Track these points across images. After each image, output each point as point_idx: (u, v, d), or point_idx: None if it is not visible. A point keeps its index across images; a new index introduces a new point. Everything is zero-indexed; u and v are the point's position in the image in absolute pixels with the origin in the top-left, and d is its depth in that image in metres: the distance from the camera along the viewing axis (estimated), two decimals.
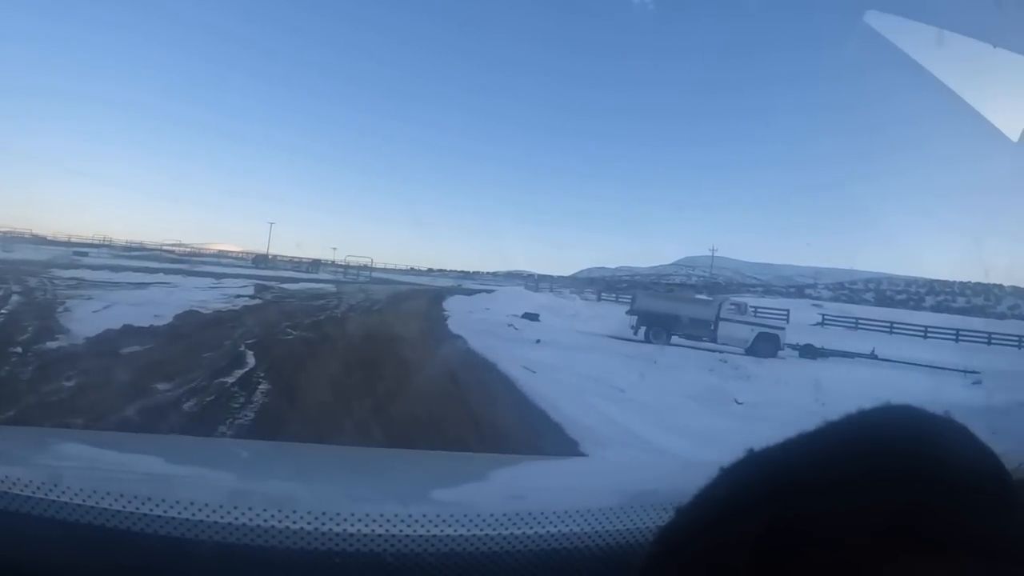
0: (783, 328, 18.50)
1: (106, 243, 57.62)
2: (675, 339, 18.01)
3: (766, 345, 17.61)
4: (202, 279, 26.17)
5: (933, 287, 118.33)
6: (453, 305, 22.69)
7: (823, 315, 33.55)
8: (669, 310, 17.94)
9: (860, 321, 33.31)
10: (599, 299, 33.95)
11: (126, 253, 46.85)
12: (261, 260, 49.10)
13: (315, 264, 50.37)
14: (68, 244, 48.12)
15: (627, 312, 19.92)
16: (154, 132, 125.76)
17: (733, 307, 18.20)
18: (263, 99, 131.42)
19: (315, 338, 11.61)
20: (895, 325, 32.83)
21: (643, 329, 18.26)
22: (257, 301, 17.74)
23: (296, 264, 51.93)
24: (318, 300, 19.91)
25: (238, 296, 18.44)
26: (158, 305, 14.44)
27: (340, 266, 48.36)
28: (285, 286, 25.60)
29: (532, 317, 19.75)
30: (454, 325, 16.00)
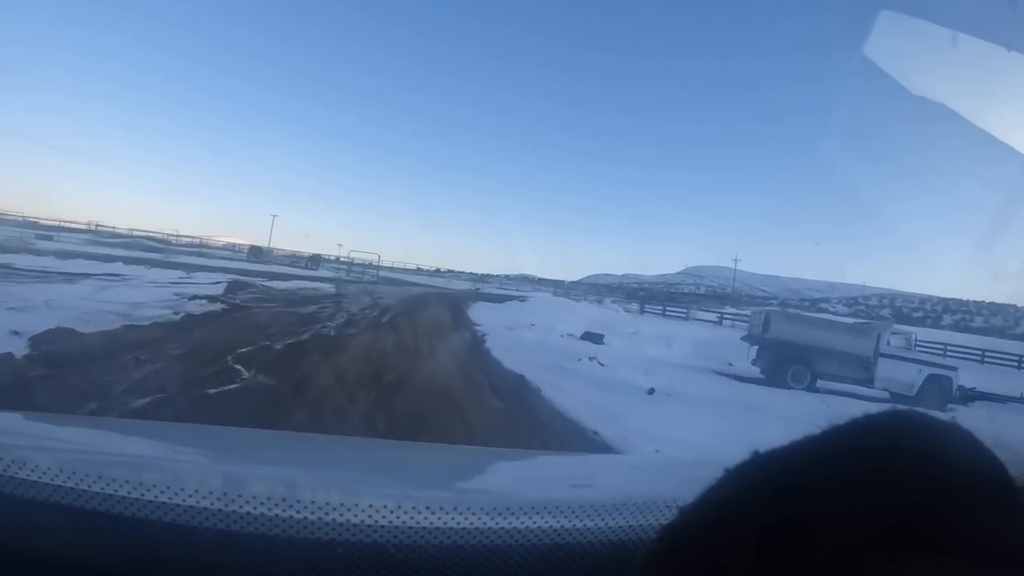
0: (956, 368, 12.93)
1: (92, 228, 51.85)
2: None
3: (937, 392, 12.12)
4: (170, 271, 20.67)
5: (948, 305, 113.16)
6: (483, 316, 17.12)
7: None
8: (814, 340, 12.33)
9: (948, 348, 27.69)
10: (642, 311, 28.40)
11: (104, 239, 41.12)
12: (256, 253, 43.00)
13: (315, 259, 44.33)
14: (42, 227, 42.45)
15: (745, 339, 14.43)
16: (160, 120, 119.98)
17: (895, 339, 12.61)
18: (272, 90, 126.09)
19: (279, 389, 6.09)
20: (987, 353, 27.32)
21: (766, 362, 12.71)
22: (218, 307, 12.18)
23: (295, 259, 46.26)
24: (308, 306, 14.35)
25: (195, 297, 12.87)
26: (52, 311, 9.02)
27: (344, 262, 42.60)
28: (272, 284, 20.02)
29: (595, 339, 14.22)
30: (501, 352, 10.47)
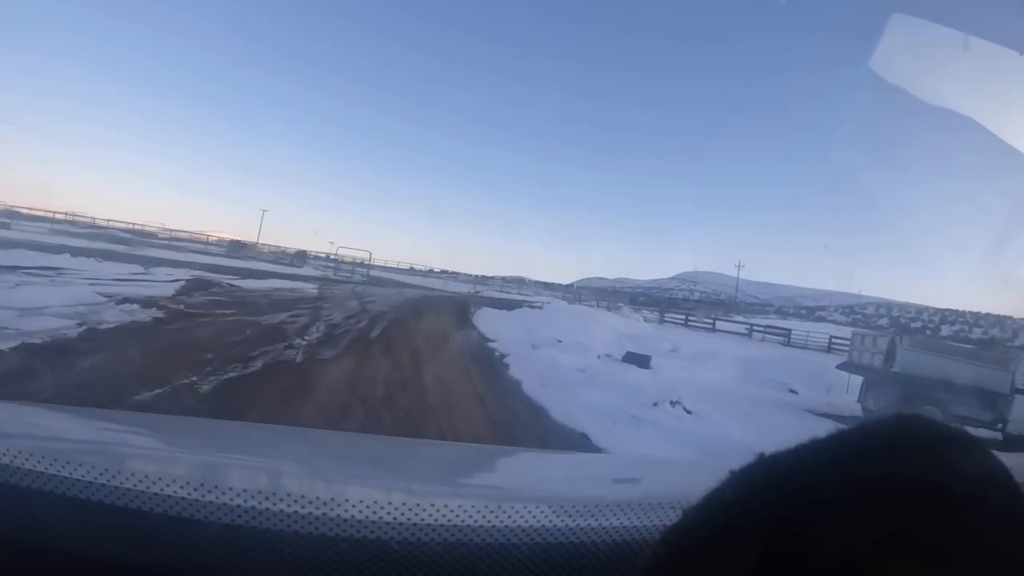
0: None
1: (69, 218, 48.07)
2: None
3: None
4: (125, 266, 17.47)
5: (945, 316, 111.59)
6: (495, 328, 14.05)
7: None
8: (949, 374, 9.37)
9: None
10: (662, 320, 25.42)
11: (76, 230, 37.23)
12: (236, 247, 38.73)
13: (301, 256, 40.35)
14: (17, 216, 38.71)
15: (845, 368, 11.49)
16: (159, 113, 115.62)
17: None
18: (271, 82, 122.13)
19: None
20: None
21: (886, 401, 9.73)
22: (150, 315, 9.04)
23: (282, 255, 42.63)
24: (277, 314, 11.21)
25: (125, 301, 9.73)
26: None
27: (333, 260, 39.10)
28: (242, 283, 16.86)
29: (641, 361, 11.21)
30: (537, 388, 7.44)
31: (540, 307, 19.71)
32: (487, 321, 15.22)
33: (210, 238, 49.38)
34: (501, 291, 39.10)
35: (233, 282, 16.35)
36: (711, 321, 24.09)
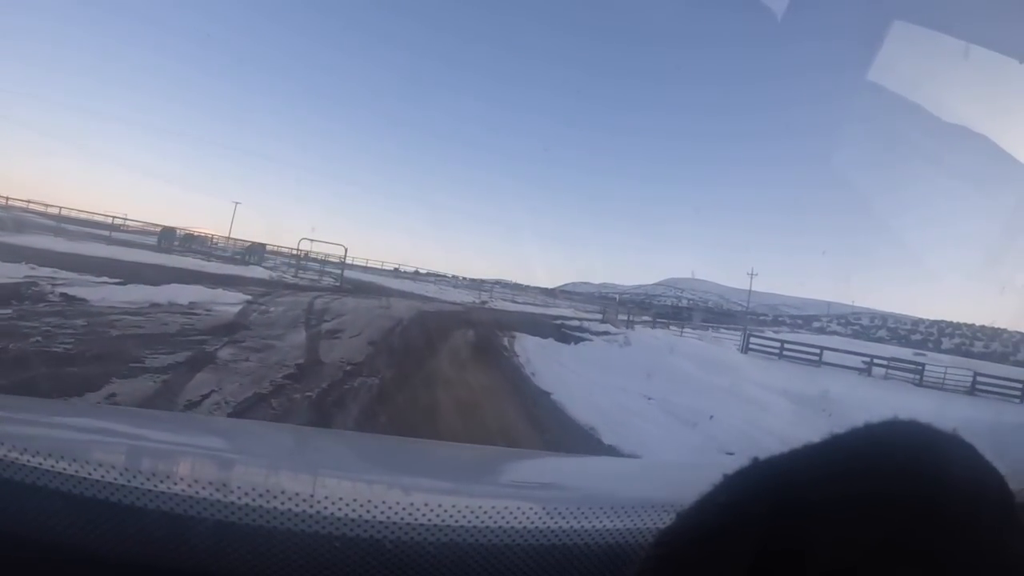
0: None
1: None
2: None
3: None
4: None
5: (942, 328, 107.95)
6: (606, 415, 6.88)
7: None
8: None
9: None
10: (746, 348, 18.45)
11: None
12: (168, 238, 29.15)
13: (255, 250, 30.42)
14: None
15: None
16: (155, 107, 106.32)
17: None
18: (270, 82, 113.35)
19: None
20: None
21: None
22: None
23: (236, 250, 34.13)
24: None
25: None
26: None
27: (300, 257, 31.02)
28: (98, 294, 9.26)
29: None
30: None
31: (618, 337, 12.37)
32: (558, 379, 7.95)
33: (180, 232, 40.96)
34: (512, 301, 31.88)
35: (79, 292, 8.82)
36: (816, 352, 17.35)
